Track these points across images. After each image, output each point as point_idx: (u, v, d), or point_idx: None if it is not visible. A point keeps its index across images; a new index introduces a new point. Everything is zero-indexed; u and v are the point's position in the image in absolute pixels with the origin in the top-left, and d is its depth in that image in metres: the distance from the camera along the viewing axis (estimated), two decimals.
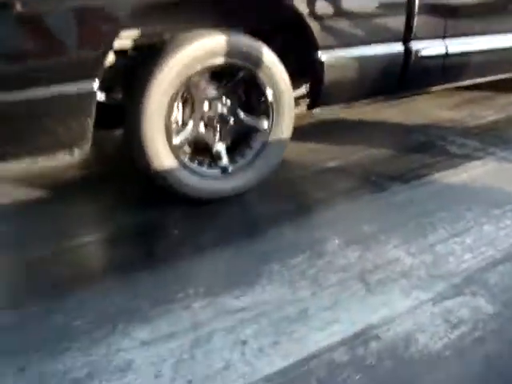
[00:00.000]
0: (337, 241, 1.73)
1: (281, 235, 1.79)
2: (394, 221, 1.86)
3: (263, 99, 1.99)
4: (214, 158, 2.00)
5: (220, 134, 2.00)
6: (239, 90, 2.01)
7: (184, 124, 1.93)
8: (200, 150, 2.01)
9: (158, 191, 1.98)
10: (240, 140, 2.05)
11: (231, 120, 1.99)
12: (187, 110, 1.93)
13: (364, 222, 1.85)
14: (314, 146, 2.67)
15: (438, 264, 1.59)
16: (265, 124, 2.01)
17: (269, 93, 1.97)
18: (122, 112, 1.87)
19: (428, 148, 2.62)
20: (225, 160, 2.00)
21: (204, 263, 1.65)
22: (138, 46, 1.85)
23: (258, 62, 1.91)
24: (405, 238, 1.74)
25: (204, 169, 1.98)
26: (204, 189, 1.96)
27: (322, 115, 2.95)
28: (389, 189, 2.14)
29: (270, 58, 1.93)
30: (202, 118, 1.95)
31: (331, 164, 2.42)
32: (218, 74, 1.94)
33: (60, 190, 2.16)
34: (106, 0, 1.60)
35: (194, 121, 1.93)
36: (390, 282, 1.51)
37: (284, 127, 2.05)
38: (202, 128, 1.96)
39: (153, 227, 1.90)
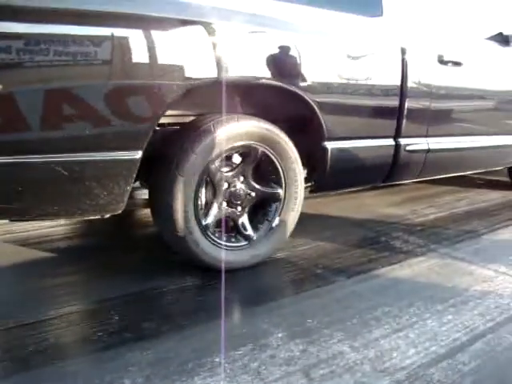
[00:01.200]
0: (280, 334, 1.73)
1: (220, 326, 1.76)
2: (339, 315, 1.88)
3: (276, 172, 2.31)
4: (239, 230, 2.26)
5: (242, 208, 2.27)
6: (251, 167, 2.28)
7: (208, 205, 2.19)
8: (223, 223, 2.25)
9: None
10: (258, 210, 2.35)
11: (251, 193, 2.27)
12: (209, 193, 2.19)
13: (308, 315, 1.87)
14: None
15: (382, 359, 1.60)
16: (280, 192, 2.32)
17: (280, 168, 2.30)
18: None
19: (373, 243, 2.72)
20: (249, 230, 2.28)
21: (144, 352, 1.60)
22: (177, 123, 2.18)
23: (275, 144, 2.24)
24: (349, 332, 1.76)
25: (229, 243, 2.24)
26: (229, 260, 2.20)
27: None
28: (334, 282, 2.18)
29: (285, 141, 2.28)
30: (224, 198, 2.21)
31: (278, 255, 2.46)
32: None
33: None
34: (160, 83, 1.85)
35: (217, 203, 2.19)
36: (334, 377, 1.50)
37: (295, 200, 2.38)
38: (225, 206, 2.22)
39: (91, 314, 1.85)
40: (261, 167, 2.31)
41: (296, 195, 2.38)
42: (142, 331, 1.73)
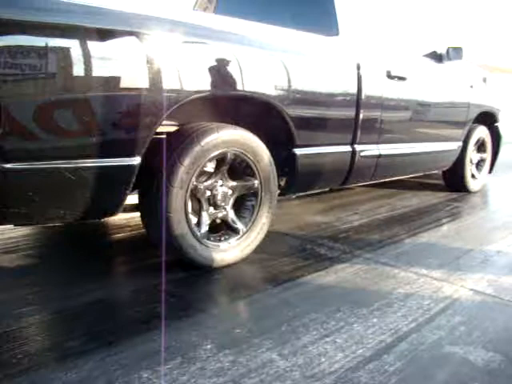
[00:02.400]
0: (209, 345, 1.73)
1: (151, 341, 1.75)
2: (267, 323, 1.91)
3: (251, 169, 2.54)
4: (229, 226, 2.52)
5: (227, 206, 2.51)
6: (226, 168, 2.49)
7: (198, 215, 2.42)
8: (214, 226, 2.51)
9: None
10: (240, 206, 2.60)
11: (231, 192, 2.51)
12: (195, 203, 2.41)
13: (237, 325, 1.89)
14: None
15: (311, 365, 1.64)
16: (256, 183, 2.56)
17: (254, 165, 2.53)
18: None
19: (300, 251, 2.78)
20: (238, 223, 2.53)
21: (70, 371, 1.55)
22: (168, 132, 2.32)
23: (253, 150, 2.50)
24: (278, 340, 1.79)
25: (222, 242, 2.49)
26: (218, 258, 2.44)
27: None
28: (262, 291, 2.21)
29: (257, 144, 2.53)
30: (209, 204, 2.45)
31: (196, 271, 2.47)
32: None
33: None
34: (156, 98, 2.05)
35: (206, 211, 2.43)
36: None
37: (271, 191, 2.65)
38: (212, 211, 2.46)
39: (8, 335, 1.77)
40: (235, 166, 2.52)
41: (270, 190, 2.64)
42: (66, 350, 1.68)
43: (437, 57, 3.96)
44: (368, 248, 2.85)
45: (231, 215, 2.53)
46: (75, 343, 1.73)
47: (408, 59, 3.70)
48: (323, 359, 1.68)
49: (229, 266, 2.48)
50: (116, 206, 2.13)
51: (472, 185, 4.80)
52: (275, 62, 2.57)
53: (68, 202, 2.00)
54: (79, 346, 1.72)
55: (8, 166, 1.77)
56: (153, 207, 2.23)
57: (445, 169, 4.60)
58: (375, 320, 1.97)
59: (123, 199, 2.12)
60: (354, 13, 3.21)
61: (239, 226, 2.54)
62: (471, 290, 2.30)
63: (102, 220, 3.15)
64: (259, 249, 2.73)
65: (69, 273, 2.41)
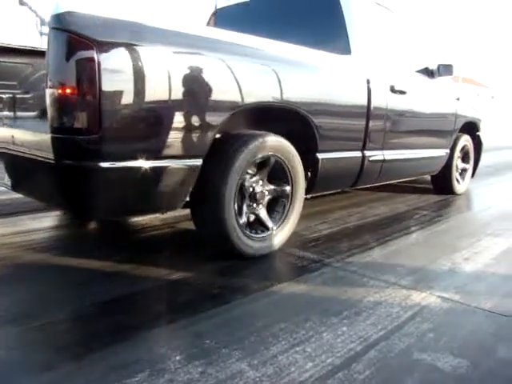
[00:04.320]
0: (178, 357, 1.74)
1: (115, 354, 1.75)
2: (237, 334, 1.92)
3: (285, 174, 2.97)
4: (261, 223, 2.89)
5: (262, 205, 2.89)
6: (267, 172, 2.91)
7: (240, 208, 2.77)
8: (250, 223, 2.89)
9: None
10: (273, 206, 3.00)
11: (267, 193, 2.92)
12: (239, 197, 2.76)
13: (206, 336, 1.89)
14: (154, 260, 2.73)
15: (280, 375, 1.66)
16: (288, 189, 2.98)
17: (289, 172, 2.96)
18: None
19: (269, 260, 2.81)
20: (268, 221, 2.91)
21: None
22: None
23: (286, 154, 2.91)
24: (247, 350, 1.80)
25: (257, 235, 2.85)
26: (258, 248, 2.83)
27: (160, 230, 3.10)
28: (231, 302, 2.22)
29: (292, 151, 2.95)
30: (251, 200, 2.84)
31: (173, 277, 2.49)
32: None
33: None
34: (217, 106, 2.51)
35: (246, 204, 2.80)
36: None
37: (297, 202, 3.07)
38: (252, 205, 2.85)
39: None
40: (274, 172, 2.93)
41: (298, 191, 3.04)
42: (34, 363, 1.67)
43: (429, 72, 4.51)
44: (337, 257, 2.90)
45: (263, 213, 2.89)
46: (44, 357, 1.72)
47: (406, 75, 4.24)
48: (293, 369, 1.70)
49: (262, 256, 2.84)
50: (181, 201, 2.52)
51: (457, 188, 5.31)
52: (303, 77, 3.05)
53: (146, 196, 2.37)
54: (47, 360, 1.70)
55: (104, 165, 2.12)
56: (208, 203, 2.60)
57: (434, 173, 5.07)
58: (344, 328, 2.00)
59: (187, 195, 2.51)
60: (363, 34, 3.69)
61: (269, 224, 2.90)
62: (439, 297, 2.36)
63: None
64: (227, 260, 2.75)
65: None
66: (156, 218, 3.70)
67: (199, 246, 3.08)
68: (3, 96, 3.61)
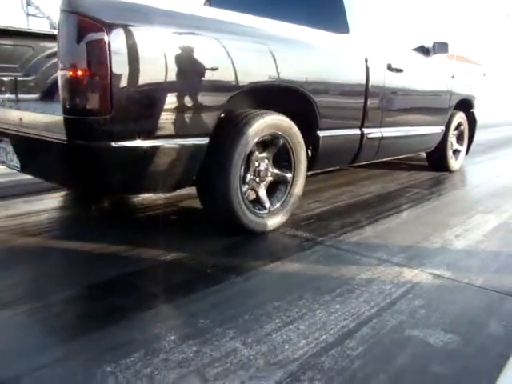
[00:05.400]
0: (173, 337, 1.75)
1: (111, 334, 1.76)
2: (230, 313, 1.94)
3: (289, 159, 3.06)
4: (261, 202, 2.96)
5: (262, 183, 2.97)
6: (272, 154, 3.01)
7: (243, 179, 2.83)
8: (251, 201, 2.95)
9: None
10: (274, 188, 3.07)
11: (270, 174, 3.01)
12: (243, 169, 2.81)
13: (200, 315, 1.91)
14: (148, 240, 2.73)
15: (274, 353, 1.68)
16: (289, 175, 3.07)
17: (292, 153, 3.04)
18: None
19: (261, 240, 2.83)
20: (267, 203, 2.97)
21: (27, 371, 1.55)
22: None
23: (288, 131, 2.97)
24: (241, 329, 1.82)
25: (259, 211, 2.92)
26: (262, 224, 2.92)
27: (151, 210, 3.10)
28: (224, 281, 2.24)
29: (294, 128, 3.01)
30: (254, 174, 2.92)
31: (169, 257, 2.51)
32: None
33: None
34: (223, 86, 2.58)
35: (250, 175, 2.88)
36: (229, 374, 1.56)
37: (300, 177, 3.15)
38: (254, 179, 2.92)
39: None
40: (279, 157, 3.02)
41: (300, 167, 3.12)
42: (29, 346, 1.68)
43: (424, 50, 4.53)
44: (330, 235, 2.92)
45: (263, 193, 2.97)
46: (36, 340, 1.72)
47: (403, 53, 4.29)
48: (287, 346, 1.72)
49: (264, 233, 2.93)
50: (189, 180, 2.64)
51: (452, 165, 5.37)
52: (305, 56, 3.13)
53: (156, 175, 2.44)
54: (39, 343, 1.71)
55: (115, 144, 2.19)
56: (215, 180, 2.67)
57: (429, 150, 5.13)
58: (338, 306, 2.03)
59: (195, 173, 2.60)
60: (361, 13, 3.74)
61: (267, 204, 2.97)
62: (431, 274, 2.39)
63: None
64: (219, 239, 2.77)
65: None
66: (159, 197, 3.70)
67: (196, 225, 3.11)
68: (4, 79, 3.61)
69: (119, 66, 2.13)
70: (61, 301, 2.03)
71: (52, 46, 3.72)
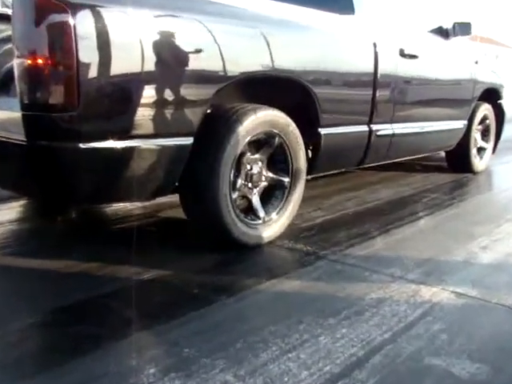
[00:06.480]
0: (152, 369, 1.73)
1: (80, 368, 1.73)
2: (220, 340, 1.92)
3: (286, 161, 3.03)
4: (254, 211, 2.91)
5: (255, 189, 2.94)
6: (267, 156, 2.98)
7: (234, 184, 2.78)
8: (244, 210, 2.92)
9: None
10: (269, 195, 3.04)
11: (264, 179, 2.97)
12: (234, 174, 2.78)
13: (184, 344, 1.88)
14: (123, 256, 2.71)
15: None
16: (286, 180, 3.03)
17: (289, 154, 3.01)
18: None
19: (255, 254, 2.82)
20: (261, 211, 2.92)
21: None
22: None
23: (287, 130, 2.94)
24: (233, 359, 1.80)
25: (253, 221, 2.88)
26: (256, 236, 2.87)
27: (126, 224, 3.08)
28: (213, 303, 2.22)
29: (291, 125, 2.98)
30: (246, 179, 2.88)
31: (146, 276, 2.48)
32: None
33: None
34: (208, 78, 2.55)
35: (241, 180, 2.84)
36: None
37: (299, 182, 3.11)
38: (246, 185, 2.89)
39: None
40: (275, 159, 3.01)
41: (299, 171, 3.09)
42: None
43: (443, 32, 4.53)
44: (334, 248, 2.91)
45: (256, 199, 2.93)
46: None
47: (418, 36, 4.29)
48: (286, 379, 1.70)
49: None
50: (171, 186, 2.60)
51: (476, 165, 5.29)
52: (302, 41, 3.09)
53: (132, 181, 2.39)
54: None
55: (83, 145, 2.15)
56: (201, 186, 2.64)
57: (449, 149, 5.06)
58: (344, 331, 2.01)
59: (177, 179, 2.56)
60: None
61: (261, 213, 2.93)
62: (453, 292, 2.38)
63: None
64: (209, 254, 2.75)
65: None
66: (135, 206, 3.68)
67: (180, 239, 3.09)
68: None
69: (87, 53, 2.08)
70: (19, 329, 2.00)
71: (4, 29, 3.66)
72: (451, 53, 4.67)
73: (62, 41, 2.04)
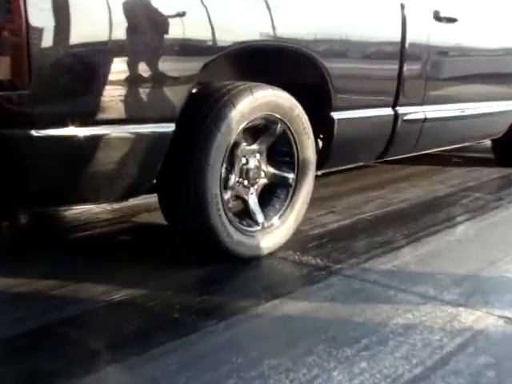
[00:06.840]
0: None
1: None
2: (207, 377, 1.90)
3: (290, 153, 3.03)
4: (250, 215, 2.93)
5: (252, 188, 2.95)
6: (267, 146, 2.99)
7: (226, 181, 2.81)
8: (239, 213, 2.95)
9: None
10: (270, 195, 3.05)
11: (262, 174, 2.98)
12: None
13: (163, 380, 1.87)
14: (88, 272, 2.70)
15: None
16: (291, 176, 3.03)
17: (294, 144, 2.99)
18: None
19: (254, 268, 2.80)
20: (260, 215, 2.93)
21: None
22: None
23: (291, 115, 2.91)
24: None
25: (249, 228, 2.89)
26: (253, 246, 2.87)
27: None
28: (199, 330, 2.21)
29: (297, 108, 2.95)
30: (241, 175, 2.88)
31: (116, 296, 2.48)
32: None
33: None
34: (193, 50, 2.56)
35: (234, 176, 2.84)
36: None
37: (307, 178, 3.10)
38: (240, 182, 2.90)
39: None
40: (276, 150, 3.03)
41: (307, 169, 3.09)
42: None
43: None
44: (350, 261, 2.90)
45: (253, 200, 2.94)
46: None
47: None
48: None
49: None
50: (147, 184, 2.60)
51: None
52: (310, 3, 3.06)
53: (97, 178, 2.40)
54: None
55: (36, 133, 2.10)
56: (185, 184, 2.63)
57: (497, 137, 4.99)
58: (364, 364, 1.99)
59: (155, 175, 2.55)
60: None
61: (259, 218, 2.93)
62: (500, 317, 2.37)
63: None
64: (195, 268, 2.74)
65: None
66: (103, 209, 3.67)
67: (159, 249, 3.10)
68: None
69: (39, 16, 2.03)
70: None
71: None
72: (500, 14, 4.52)
73: (6, 0, 2.00)
